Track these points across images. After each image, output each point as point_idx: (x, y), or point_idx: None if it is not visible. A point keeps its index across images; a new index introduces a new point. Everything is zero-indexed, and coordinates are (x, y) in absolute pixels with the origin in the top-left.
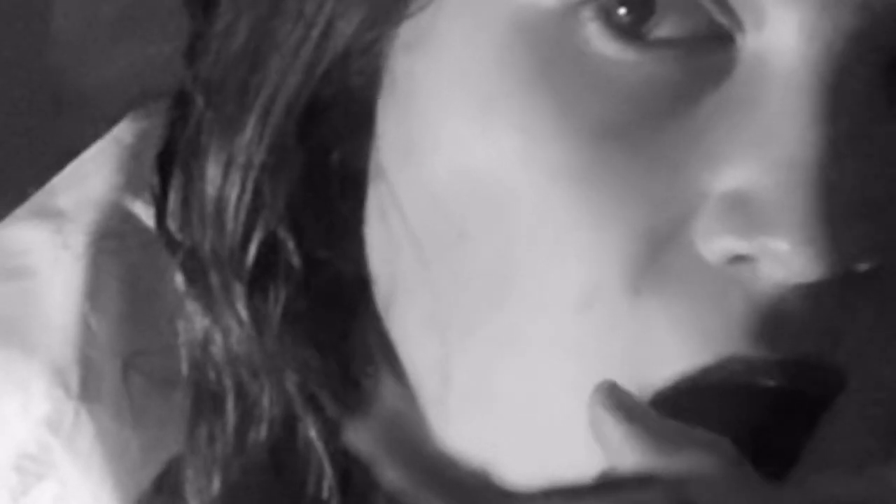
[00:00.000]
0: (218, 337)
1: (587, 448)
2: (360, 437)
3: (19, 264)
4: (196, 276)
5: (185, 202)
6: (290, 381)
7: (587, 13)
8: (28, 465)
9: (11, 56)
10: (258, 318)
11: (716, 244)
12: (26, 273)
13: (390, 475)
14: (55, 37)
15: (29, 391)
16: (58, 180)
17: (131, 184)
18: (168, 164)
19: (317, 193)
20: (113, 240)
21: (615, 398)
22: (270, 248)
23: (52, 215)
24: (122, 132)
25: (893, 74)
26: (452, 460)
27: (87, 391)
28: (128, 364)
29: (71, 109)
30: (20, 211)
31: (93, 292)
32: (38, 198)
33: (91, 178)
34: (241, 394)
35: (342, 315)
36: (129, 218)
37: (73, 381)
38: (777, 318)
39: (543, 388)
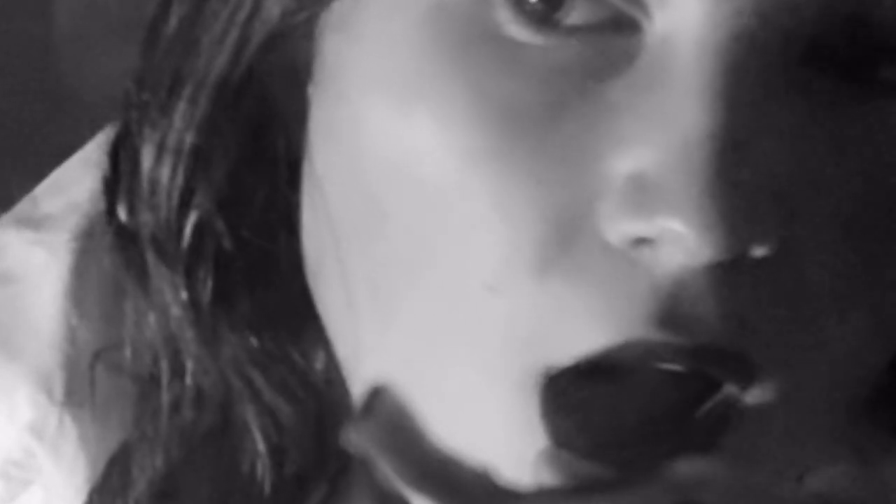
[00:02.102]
0: (153, 318)
1: (504, 428)
2: (359, 436)
3: (4, 271)
4: (134, 258)
5: (130, 186)
6: (226, 363)
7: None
8: (14, 472)
9: (11, 56)
10: (193, 299)
11: (618, 227)
12: (11, 279)
13: (390, 474)
14: (55, 37)
15: (13, 398)
16: (42, 187)
17: None
18: (120, 150)
19: (257, 177)
20: (96, 240)
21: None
22: (206, 229)
23: (37, 222)
24: (106, 139)
25: (810, 63)
26: (452, 460)
27: (72, 396)
28: (97, 357)
29: (71, 109)
30: (5, 218)
31: (76, 294)
32: (23, 205)
33: (75, 185)
34: (176, 374)
35: (281, 298)
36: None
37: (58, 386)
38: (677, 303)
39: (459, 371)
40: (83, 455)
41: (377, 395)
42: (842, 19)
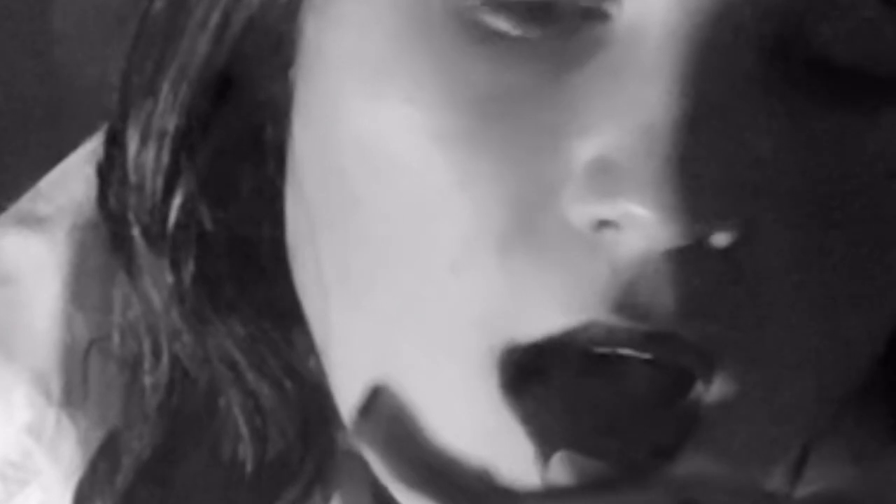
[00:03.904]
0: (138, 302)
1: (468, 406)
2: (359, 436)
3: (2, 272)
4: (121, 242)
5: (118, 169)
6: (211, 346)
7: None
8: (11, 473)
9: (11, 56)
10: (177, 282)
11: (581, 209)
12: (8, 280)
13: (389, 474)
14: (55, 36)
15: (11, 398)
16: (41, 187)
17: None
18: (115, 138)
19: (243, 163)
20: (94, 237)
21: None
22: (190, 213)
23: (35, 222)
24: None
25: (788, 54)
26: (453, 459)
27: (70, 397)
28: (92, 345)
29: (71, 109)
30: (3, 218)
31: (75, 292)
32: (21, 204)
33: (74, 184)
34: (161, 359)
35: (266, 284)
36: None
37: (55, 387)
38: (636, 289)
39: (424, 351)
40: (80, 455)
41: (377, 395)
42: (811, 15)
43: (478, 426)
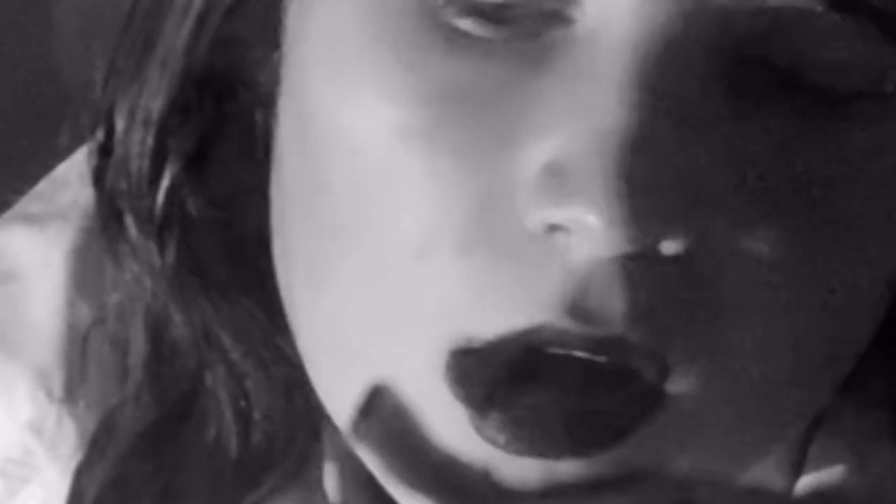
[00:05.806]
0: (129, 282)
1: (420, 395)
2: (359, 436)
3: (4, 268)
4: (113, 223)
5: (110, 151)
6: (198, 327)
7: None
8: (13, 470)
9: (11, 55)
10: (165, 263)
11: (534, 213)
12: (10, 277)
13: (390, 473)
14: (55, 35)
15: (12, 395)
16: (44, 185)
17: None
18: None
19: (229, 146)
20: (96, 228)
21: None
22: (178, 194)
23: (37, 220)
24: None
25: (745, 65)
26: (453, 459)
27: (71, 394)
28: (92, 328)
29: (71, 109)
30: (5, 217)
31: (77, 287)
32: (23, 203)
33: (75, 184)
34: (151, 338)
35: (253, 266)
36: None
37: (57, 383)
38: (586, 293)
39: (381, 339)
40: (80, 451)
41: (377, 394)
42: (768, 29)
43: (425, 412)
